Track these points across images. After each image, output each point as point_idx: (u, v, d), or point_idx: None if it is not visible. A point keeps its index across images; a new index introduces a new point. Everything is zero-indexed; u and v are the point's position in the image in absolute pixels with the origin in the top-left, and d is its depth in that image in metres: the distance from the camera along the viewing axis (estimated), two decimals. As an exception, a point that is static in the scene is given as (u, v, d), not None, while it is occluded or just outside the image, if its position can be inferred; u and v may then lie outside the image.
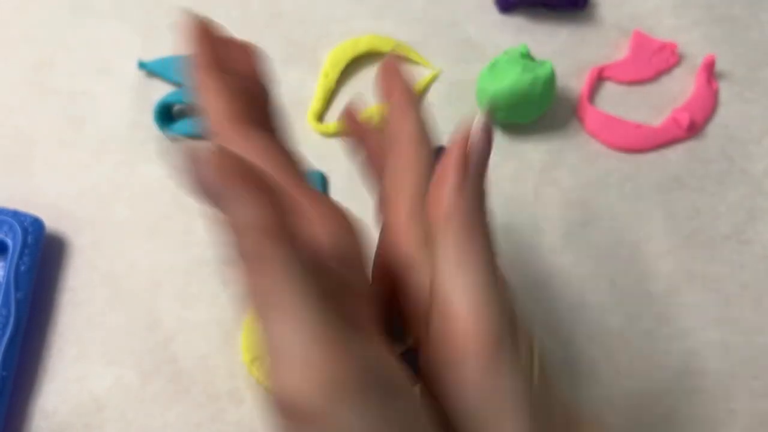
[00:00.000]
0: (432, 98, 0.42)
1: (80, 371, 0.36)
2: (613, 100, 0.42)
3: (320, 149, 0.41)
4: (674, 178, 0.40)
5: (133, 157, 0.40)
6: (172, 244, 0.38)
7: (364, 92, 0.42)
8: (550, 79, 0.39)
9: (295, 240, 0.18)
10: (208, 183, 0.17)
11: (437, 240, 0.21)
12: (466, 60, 0.43)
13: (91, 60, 0.43)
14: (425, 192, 0.23)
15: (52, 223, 0.38)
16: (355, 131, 0.28)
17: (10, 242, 0.36)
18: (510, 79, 0.38)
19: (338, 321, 0.17)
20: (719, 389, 0.36)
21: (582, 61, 0.43)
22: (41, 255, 0.37)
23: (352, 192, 0.40)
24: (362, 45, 0.43)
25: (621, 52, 0.44)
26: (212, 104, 0.22)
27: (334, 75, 0.42)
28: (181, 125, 0.41)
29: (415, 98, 0.25)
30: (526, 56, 0.40)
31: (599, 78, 0.43)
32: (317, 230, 0.20)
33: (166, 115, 0.41)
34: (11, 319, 0.34)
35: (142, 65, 0.42)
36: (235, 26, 0.44)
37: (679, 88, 0.43)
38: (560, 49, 0.43)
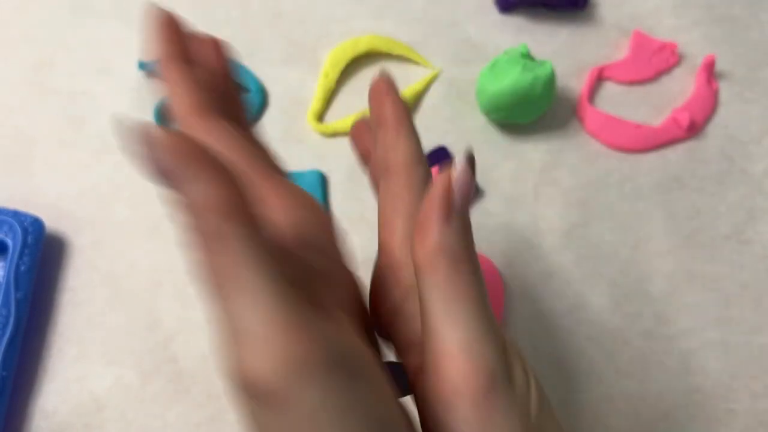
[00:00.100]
0: (432, 98, 0.42)
1: (80, 371, 0.36)
2: (613, 100, 0.42)
3: (320, 149, 0.41)
4: (674, 178, 0.40)
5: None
6: (172, 244, 0.38)
7: (364, 92, 0.42)
8: (550, 79, 0.39)
9: (254, 221, 0.17)
10: (163, 164, 0.17)
11: (424, 279, 0.20)
12: (466, 60, 0.43)
13: (91, 60, 0.43)
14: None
15: (52, 223, 0.38)
16: (363, 148, 0.28)
17: (10, 242, 0.36)
18: (510, 79, 0.38)
19: (299, 301, 0.17)
20: (719, 389, 0.36)
21: (582, 61, 0.43)
22: (41, 255, 0.37)
23: (352, 192, 0.40)
24: (362, 45, 0.43)
25: (621, 52, 0.44)
26: (176, 94, 0.23)
27: (334, 75, 0.42)
28: (181, 125, 0.41)
29: (406, 120, 0.25)
30: (526, 56, 0.40)
31: (599, 78, 0.43)
32: (280, 215, 0.20)
33: (166, 115, 0.41)
34: (11, 319, 0.34)
35: (142, 65, 0.42)
36: (235, 26, 0.45)
37: (679, 88, 0.43)
38: (560, 49, 0.43)
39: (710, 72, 0.43)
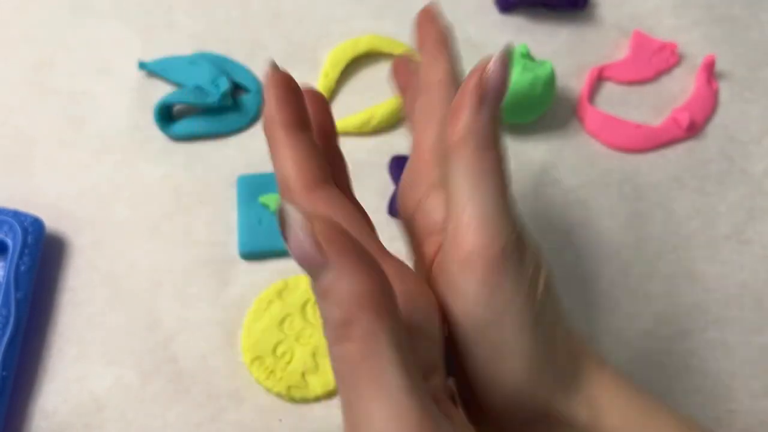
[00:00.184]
0: (432, 98, 0.42)
1: (80, 371, 0.36)
2: (613, 100, 0.42)
3: (320, 149, 0.41)
4: (674, 178, 0.40)
5: (133, 157, 0.40)
6: (172, 244, 0.38)
7: (364, 92, 0.42)
8: (550, 79, 0.39)
9: (400, 317, 0.17)
10: (305, 251, 0.16)
11: (453, 159, 0.22)
12: (466, 60, 0.43)
13: (91, 60, 0.43)
14: None
15: (52, 223, 0.38)
16: (401, 81, 0.30)
17: (10, 242, 0.36)
18: (510, 79, 0.38)
19: (428, 400, 0.17)
20: (719, 389, 0.36)
21: (582, 61, 0.43)
22: (41, 255, 0.37)
23: (352, 192, 0.40)
24: (362, 45, 0.43)
25: (621, 52, 0.44)
26: (291, 167, 0.22)
27: (334, 75, 0.42)
28: (181, 125, 0.41)
29: (447, 45, 0.27)
30: (526, 56, 0.40)
31: (599, 78, 0.43)
32: (400, 300, 0.19)
33: (166, 115, 0.41)
34: (11, 319, 0.34)
35: (142, 65, 0.42)
36: (235, 26, 0.45)
37: (679, 88, 0.43)
38: (560, 49, 0.43)
39: (710, 72, 0.43)
